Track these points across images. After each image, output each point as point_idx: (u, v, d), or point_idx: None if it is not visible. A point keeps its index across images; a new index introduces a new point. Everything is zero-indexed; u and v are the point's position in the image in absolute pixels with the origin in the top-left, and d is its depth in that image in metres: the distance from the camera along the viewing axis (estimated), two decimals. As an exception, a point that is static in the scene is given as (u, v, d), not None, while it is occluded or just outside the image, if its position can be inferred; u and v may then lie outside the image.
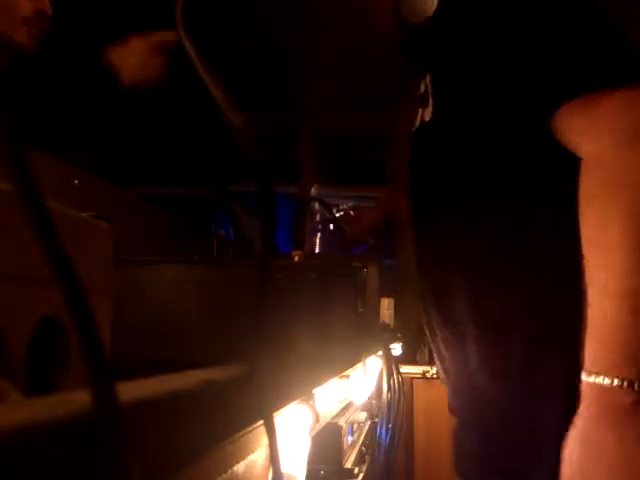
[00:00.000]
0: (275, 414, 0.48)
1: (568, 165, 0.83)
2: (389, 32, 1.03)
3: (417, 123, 1.03)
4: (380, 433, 1.46)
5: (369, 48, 3.54)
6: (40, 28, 1.42)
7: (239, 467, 0.58)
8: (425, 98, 0.99)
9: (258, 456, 0.63)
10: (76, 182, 1.17)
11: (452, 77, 0.93)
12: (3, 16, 1.36)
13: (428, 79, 0.98)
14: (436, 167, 0.98)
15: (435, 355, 1.08)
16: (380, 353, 1.44)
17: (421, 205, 1.03)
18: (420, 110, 1.01)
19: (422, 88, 1.01)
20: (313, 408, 0.74)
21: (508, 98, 0.85)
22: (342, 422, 1.21)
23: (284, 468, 0.71)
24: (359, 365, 1.03)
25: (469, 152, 0.92)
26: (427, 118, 0.98)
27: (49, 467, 0.20)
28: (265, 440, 0.57)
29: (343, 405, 1.35)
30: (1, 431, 0.18)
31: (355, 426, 1.44)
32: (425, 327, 1.06)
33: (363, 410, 1.57)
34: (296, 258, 1.41)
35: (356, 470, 1.18)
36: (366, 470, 1.37)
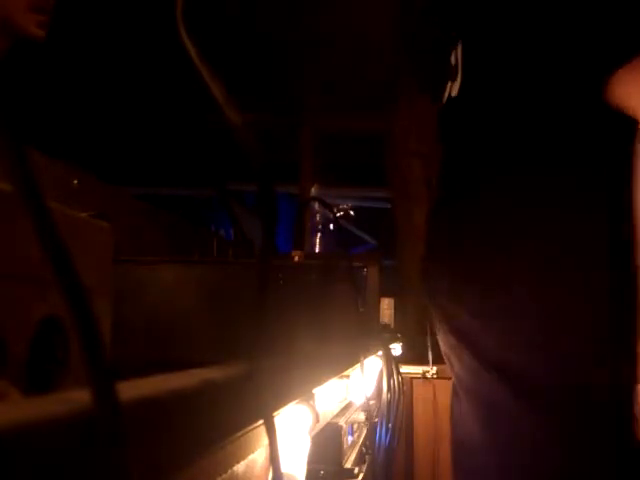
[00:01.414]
0: (275, 414, 0.48)
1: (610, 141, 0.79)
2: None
3: (444, 98, 0.96)
4: (380, 433, 1.46)
5: (369, 48, 3.54)
6: (48, 11, 1.41)
7: (239, 467, 0.58)
8: (455, 71, 0.92)
9: (258, 456, 0.63)
10: (75, 182, 1.17)
11: (488, 47, 0.86)
12: (7, 1, 1.35)
13: (459, 50, 0.92)
14: (465, 144, 0.92)
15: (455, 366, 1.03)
16: (380, 353, 1.44)
17: (453, 187, 0.98)
18: (449, 84, 0.94)
19: (452, 60, 0.94)
20: (313, 408, 0.74)
21: (552, 70, 0.81)
22: (342, 422, 1.21)
23: (284, 468, 0.71)
24: (359, 365, 1.03)
25: (498, 129, 0.87)
26: (454, 93, 0.91)
27: (49, 466, 0.21)
28: (265, 440, 0.57)
29: (343, 405, 1.35)
30: (1, 429, 0.18)
31: (355, 426, 1.44)
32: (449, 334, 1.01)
33: (363, 410, 1.57)
34: (296, 258, 1.40)
35: (356, 470, 1.18)
36: (366, 470, 1.37)
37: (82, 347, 0.22)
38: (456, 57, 0.92)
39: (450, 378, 1.09)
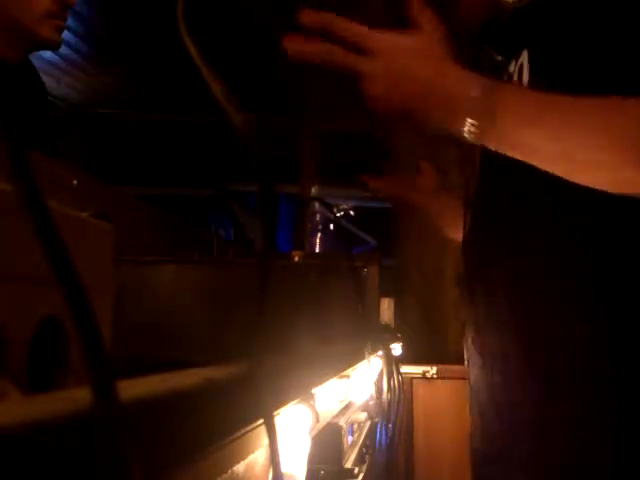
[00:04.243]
0: (275, 414, 0.48)
1: None
2: (475, 20, 1.01)
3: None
4: (380, 433, 1.46)
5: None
6: (64, 18, 1.41)
7: (239, 467, 0.58)
8: (517, 77, 0.93)
9: (258, 456, 0.63)
10: (75, 182, 1.17)
11: (565, 58, 0.87)
12: (25, 9, 1.36)
13: (525, 58, 0.92)
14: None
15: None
16: (380, 353, 1.44)
17: (494, 197, 0.98)
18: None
19: (511, 68, 0.96)
20: (313, 408, 0.74)
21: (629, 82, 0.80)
22: (342, 422, 1.21)
23: (284, 468, 0.71)
24: (359, 365, 1.03)
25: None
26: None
27: (49, 464, 0.20)
28: (265, 440, 0.57)
29: (343, 405, 1.35)
30: (1, 427, 0.18)
31: (355, 426, 1.43)
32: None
33: (363, 410, 1.57)
34: (296, 258, 1.41)
35: (356, 470, 1.18)
36: (366, 470, 1.37)
37: (82, 347, 0.22)
38: (520, 64, 0.93)
39: (451, 378, 1.09)
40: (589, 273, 0.86)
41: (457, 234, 1.19)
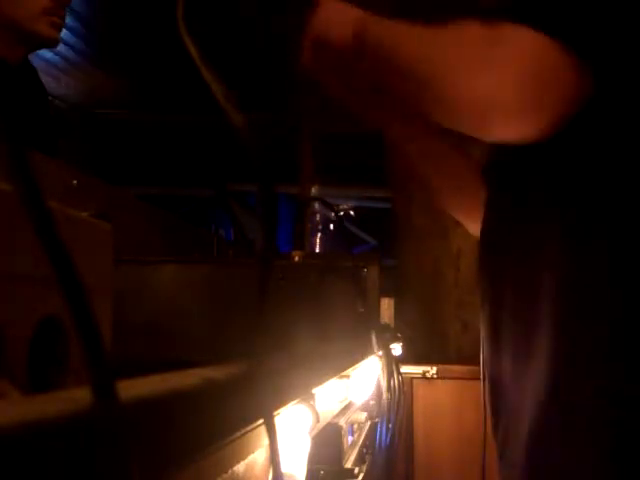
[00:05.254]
0: (275, 414, 0.48)
1: None
2: None
3: None
4: (380, 433, 1.46)
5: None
6: (61, 16, 1.42)
7: (239, 467, 0.58)
8: None
9: (258, 456, 0.63)
10: (75, 182, 1.17)
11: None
12: (22, 7, 1.36)
13: None
14: None
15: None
16: (380, 353, 1.44)
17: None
18: None
19: None
20: (313, 408, 0.74)
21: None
22: (342, 422, 1.21)
23: (284, 468, 0.71)
24: (359, 365, 1.03)
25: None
26: None
27: (49, 465, 0.20)
28: (265, 440, 0.57)
29: (343, 405, 1.35)
30: (1, 427, 0.18)
31: (355, 426, 1.44)
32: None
33: (363, 410, 1.57)
34: (296, 258, 1.41)
35: (356, 470, 1.18)
36: (366, 470, 1.37)
37: (82, 347, 0.22)
38: None
39: (451, 378, 1.08)
40: (605, 276, 0.83)
41: (473, 225, 1.07)
